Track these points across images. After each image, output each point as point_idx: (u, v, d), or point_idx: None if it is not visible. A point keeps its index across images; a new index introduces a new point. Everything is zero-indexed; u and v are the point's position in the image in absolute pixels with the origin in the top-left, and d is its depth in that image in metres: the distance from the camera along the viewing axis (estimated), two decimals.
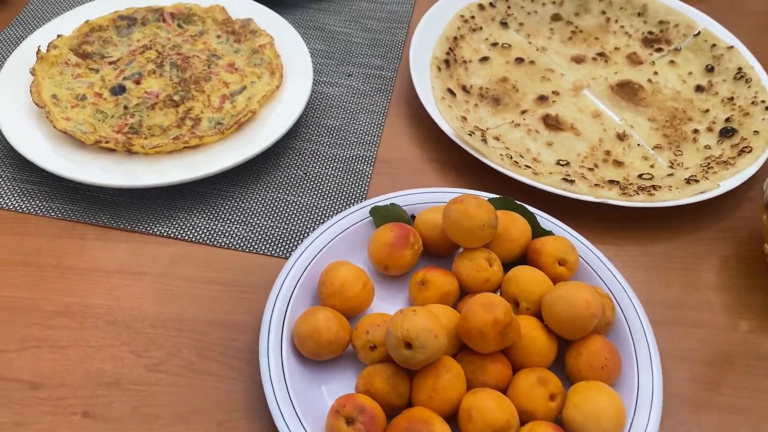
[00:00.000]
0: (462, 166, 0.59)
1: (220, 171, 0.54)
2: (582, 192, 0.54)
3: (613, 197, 0.54)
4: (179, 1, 0.68)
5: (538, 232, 0.50)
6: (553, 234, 0.50)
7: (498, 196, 0.52)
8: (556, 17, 0.74)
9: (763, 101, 0.63)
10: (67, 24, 0.65)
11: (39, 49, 0.60)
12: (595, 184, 0.56)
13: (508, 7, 0.74)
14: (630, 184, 0.56)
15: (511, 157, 0.57)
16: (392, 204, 0.51)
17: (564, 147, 0.61)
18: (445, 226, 0.48)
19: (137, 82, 0.61)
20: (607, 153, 0.60)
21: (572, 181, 0.55)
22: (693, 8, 0.73)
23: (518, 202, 0.51)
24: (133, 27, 0.66)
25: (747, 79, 0.65)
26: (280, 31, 0.66)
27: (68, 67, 0.61)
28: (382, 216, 0.51)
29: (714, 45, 0.69)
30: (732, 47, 0.68)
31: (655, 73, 0.68)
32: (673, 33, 0.72)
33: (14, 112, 0.57)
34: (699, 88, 0.67)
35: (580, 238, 0.51)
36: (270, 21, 0.67)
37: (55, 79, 0.60)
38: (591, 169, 0.59)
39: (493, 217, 0.47)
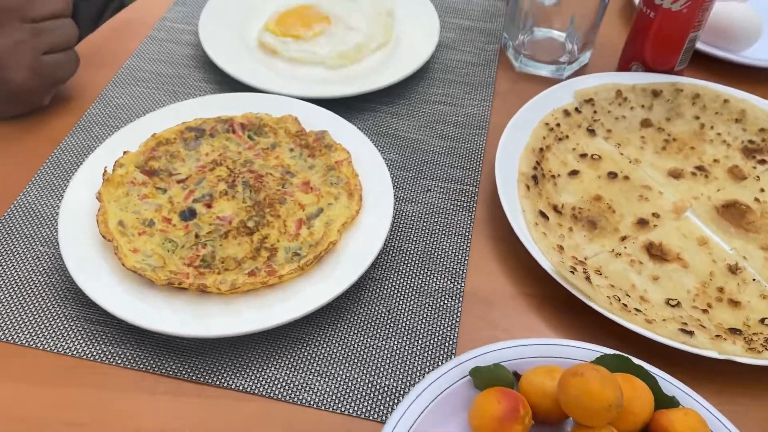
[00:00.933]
0: (561, 303, 0.54)
1: (301, 317, 0.50)
2: (703, 346, 0.49)
3: (738, 353, 0.48)
4: (249, 111, 0.65)
5: (661, 399, 0.45)
6: (679, 404, 0.44)
7: (611, 352, 0.47)
8: (646, 123, 0.69)
9: None
10: (131, 136, 0.62)
11: (105, 171, 0.57)
12: (716, 335, 0.50)
13: (594, 112, 0.69)
14: (754, 335, 0.50)
15: (619, 299, 0.52)
16: (495, 365, 0.46)
17: (672, 282, 0.55)
18: (563, 402, 0.42)
19: (208, 205, 0.57)
20: (720, 290, 0.55)
21: (691, 333, 0.49)
22: None
23: (636, 362, 0.46)
24: (201, 139, 0.62)
25: None
26: (356, 144, 0.62)
27: (134, 187, 0.58)
28: (483, 378, 0.46)
29: None
30: None
31: (762, 190, 0.63)
32: None
33: (79, 243, 0.53)
34: None
35: (709, 407, 0.45)
36: (344, 132, 0.63)
37: (121, 202, 0.56)
38: (705, 311, 0.53)
39: (619, 395, 0.41)
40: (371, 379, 0.49)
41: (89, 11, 1.06)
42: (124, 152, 0.59)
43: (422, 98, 0.72)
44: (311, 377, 0.49)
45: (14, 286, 0.53)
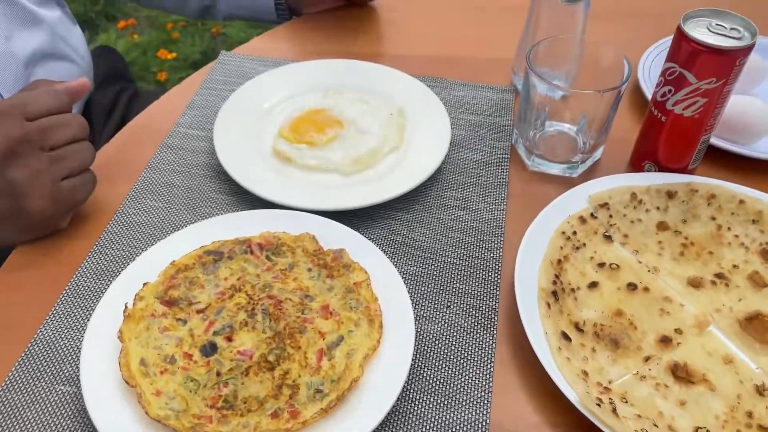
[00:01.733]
0: None
1: None
2: None
3: None
4: (267, 230, 0.65)
5: None
6: None
7: None
8: (662, 226, 0.69)
9: None
10: (149, 263, 0.62)
11: (126, 307, 0.57)
12: None
13: (610, 216, 0.69)
14: None
15: None
16: None
17: (699, 407, 0.54)
18: None
19: (229, 338, 0.57)
20: (749, 415, 0.54)
21: None
22: None
23: None
24: (220, 262, 0.63)
25: None
26: (373, 261, 0.62)
27: (155, 320, 0.58)
28: None
29: None
30: None
31: None
32: None
33: (101, 386, 0.53)
34: None
35: None
36: (361, 248, 0.63)
37: (142, 338, 0.56)
38: None
39: None
40: None
41: (102, 102, 1.08)
42: (144, 284, 0.59)
43: (436, 203, 0.73)
44: None
45: None
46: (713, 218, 0.69)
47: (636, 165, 0.75)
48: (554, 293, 0.61)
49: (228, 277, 0.62)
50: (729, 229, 0.68)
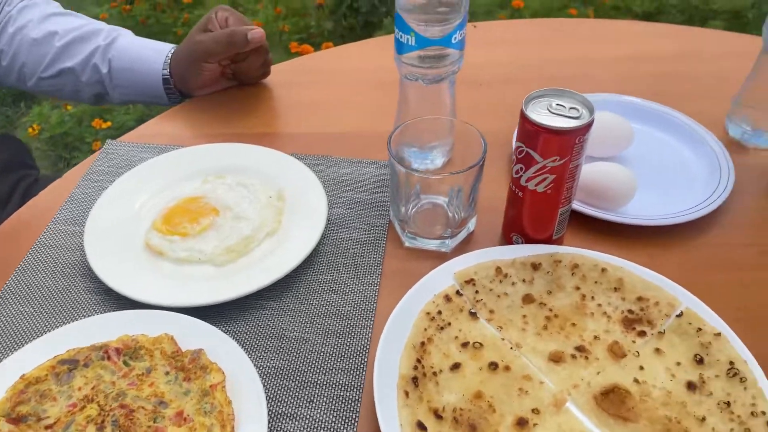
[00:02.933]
0: None
1: None
2: None
3: None
4: (126, 333, 0.64)
5: None
6: None
7: None
8: (528, 298, 0.70)
9: (763, 412, 0.57)
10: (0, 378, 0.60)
11: None
12: None
13: (476, 292, 0.70)
14: None
15: None
16: None
17: None
18: None
19: None
20: None
21: None
22: (672, 282, 0.69)
23: None
24: (75, 371, 0.61)
25: (741, 378, 0.60)
26: (233, 360, 0.61)
27: None
28: None
29: (699, 329, 0.65)
30: (719, 334, 0.64)
31: (641, 368, 0.63)
32: (655, 312, 0.67)
33: None
34: (691, 386, 0.61)
35: None
36: (223, 347, 0.63)
37: None
38: None
39: None
40: None
41: None
42: None
43: (309, 288, 0.73)
44: None
45: None
46: (577, 288, 0.70)
47: (506, 237, 0.77)
48: (414, 379, 0.61)
49: (82, 387, 0.60)
50: (593, 298, 0.70)
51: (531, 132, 0.66)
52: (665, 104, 0.96)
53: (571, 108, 0.66)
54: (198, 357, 0.62)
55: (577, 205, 0.78)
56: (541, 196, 0.69)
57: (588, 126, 0.65)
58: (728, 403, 0.59)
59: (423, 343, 0.65)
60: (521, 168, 0.69)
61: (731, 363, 0.62)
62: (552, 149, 0.66)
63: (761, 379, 0.60)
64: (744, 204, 0.83)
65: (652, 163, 0.87)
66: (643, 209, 0.80)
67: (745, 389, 0.60)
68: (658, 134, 0.92)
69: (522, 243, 0.75)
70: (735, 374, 0.61)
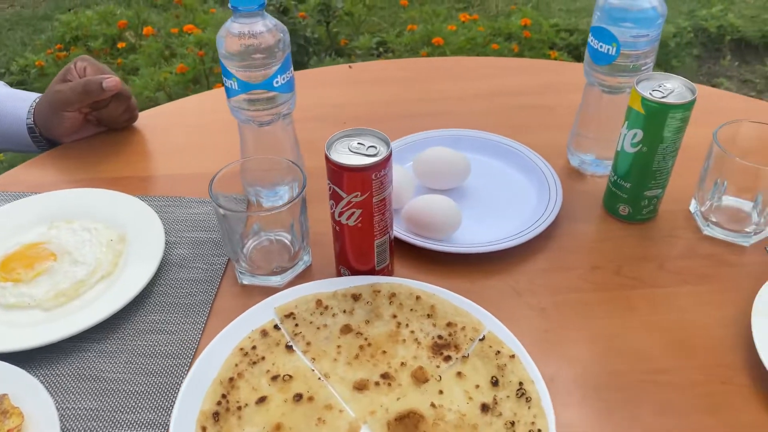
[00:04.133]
0: None
1: None
2: None
3: None
4: None
5: None
6: None
7: None
8: (346, 329, 0.72)
9: (540, 430, 0.60)
10: None
11: None
12: None
13: (296, 325, 0.72)
14: None
15: None
16: None
17: None
18: None
19: None
20: None
21: None
22: (480, 307, 0.72)
23: None
24: None
25: (527, 398, 0.63)
26: (39, 403, 0.62)
27: None
28: None
29: (498, 352, 0.68)
30: (514, 356, 0.67)
31: (441, 392, 0.65)
32: (461, 337, 0.70)
33: None
34: (484, 407, 0.64)
35: None
36: (31, 392, 0.63)
37: None
38: None
39: None
40: None
41: None
42: None
43: (136, 328, 0.74)
44: None
45: None
46: (394, 316, 0.73)
47: (337, 270, 0.79)
48: (215, 414, 0.62)
49: None
50: (407, 325, 0.72)
51: (334, 171, 0.69)
52: (521, 136, 1.01)
53: (369, 146, 0.70)
54: (1, 401, 0.62)
55: (404, 236, 0.81)
56: (354, 229, 0.72)
57: (383, 162, 0.68)
58: (513, 423, 0.62)
59: (232, 379, 0.66)
60: (333, 204, 0.72)
61: (521, 383, 0.64)
62: (353, 185, 0.69)
63: (545, 398, 0.63)
64: (573, 230, 0.87)
65: (491, 193, 0.92)
66: (473, 237, 0.83)
67: (529, 408, 0.62)
68: (498, 165, 0.96)
69: (348, 275, 0.78)
70: (522, 394, 0.64)
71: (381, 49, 3.32)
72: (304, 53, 2.99)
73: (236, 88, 0.78)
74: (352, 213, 0.71)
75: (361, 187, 0.69)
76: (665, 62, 3.12)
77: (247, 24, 0.75)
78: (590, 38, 0.85)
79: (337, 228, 0.74)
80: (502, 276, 0.80)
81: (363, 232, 0.73)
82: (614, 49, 0.82)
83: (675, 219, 0.87)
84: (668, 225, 0.87)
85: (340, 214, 0.71)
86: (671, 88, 0.77)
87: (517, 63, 1.31)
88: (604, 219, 0.88)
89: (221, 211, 0.73)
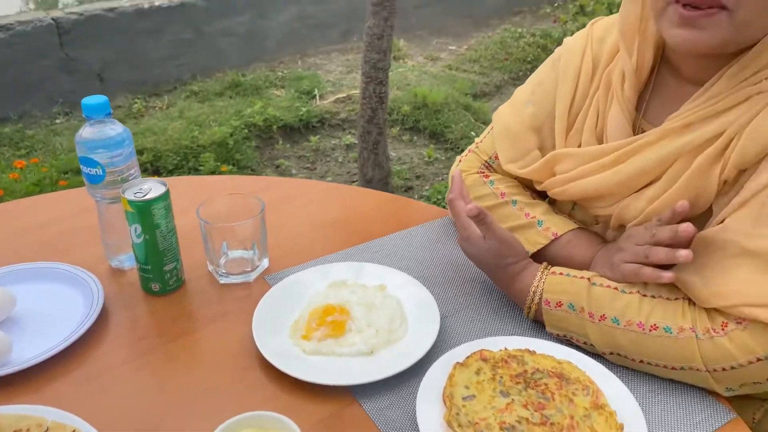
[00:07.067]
0: None
1: None
2: None
3: None
4: None
5: None
6: None
7: None
8: None
9: None
10: None
11: None
12: None
13: None
14: None
15: None
16: None
17: None
18: None
19: None
20: None
21: None
22: (45, 407, 0.83)
23: None
24: None
25: None
26: None
27: None
28: None
29: None
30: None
31: None
32: None
33: None
34: None
35: None
36: None
37: None
38: None
39: None
40: None
41: None
42: None
43: None
44: None
45: None
46: None
47: None
48: None
49: None
50: None
51: None
52: (69, 257, 1.15)
53: None
54: None
55: None
56: None
57: None
58: None
59: None
60: None
61: None
62: None
63: None
64: (121, 321, 1.04)
65: (45, 313, 1.03)
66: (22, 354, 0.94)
67: None
68: (48, 287, 1.09)
69: None
70: None
71: None
72: None
73: None
74: None
75: None
76: (229, 158, 3.58)
77: None
78: (81, 167, 1.05)
79: None
80: (71, 378, 0.92)
81: None
82: (101, 170, 1.04)
83: (199, 280, 1.13)
84: (195, 286, 1.11)
85: None
86: (149, 187, 1.02)
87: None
88: (145, 299, 1.08)
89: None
